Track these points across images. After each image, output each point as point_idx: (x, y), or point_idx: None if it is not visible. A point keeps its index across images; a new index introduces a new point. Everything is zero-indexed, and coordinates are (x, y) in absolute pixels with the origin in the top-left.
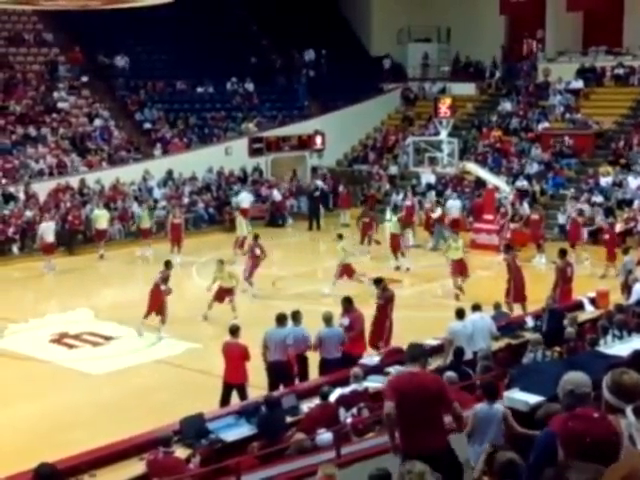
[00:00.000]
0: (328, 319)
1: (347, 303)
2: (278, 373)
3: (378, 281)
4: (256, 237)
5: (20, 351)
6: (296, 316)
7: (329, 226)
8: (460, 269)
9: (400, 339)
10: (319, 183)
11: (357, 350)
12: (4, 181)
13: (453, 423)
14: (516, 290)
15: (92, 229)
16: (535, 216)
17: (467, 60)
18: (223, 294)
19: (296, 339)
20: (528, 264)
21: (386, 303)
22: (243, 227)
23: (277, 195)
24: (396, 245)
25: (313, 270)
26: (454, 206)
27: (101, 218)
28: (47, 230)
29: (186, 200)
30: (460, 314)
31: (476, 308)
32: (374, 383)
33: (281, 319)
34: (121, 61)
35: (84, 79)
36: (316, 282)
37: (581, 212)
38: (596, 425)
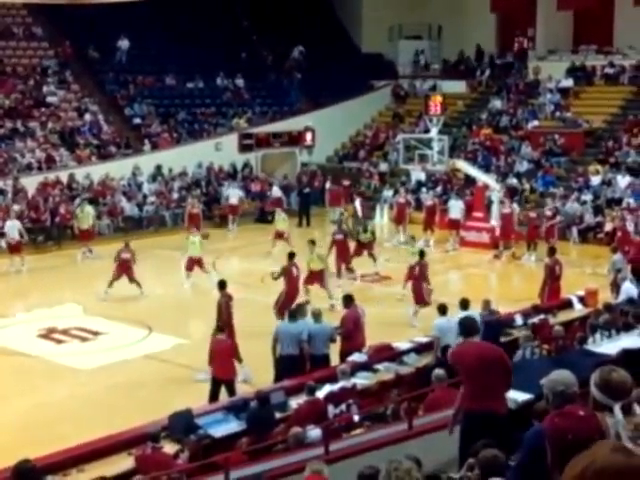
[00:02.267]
0: (317, 315)
1: (346, 300)
2: (288, 367)
3: (221, 284)
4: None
5: (8, 346)
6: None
7: (318, 223)
8: (316, 280)
9: (389, 336)
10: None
11: (348, 348)
12: None
13: None
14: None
15: (84, 225)
16: (533, 214)
17: (457, 58)
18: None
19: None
20: (518, 262)
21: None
22: (281, 221)
23: (277, 191)
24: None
25: (302, 267)
26: (455, 206)
27: (89, 216)
28: (12, 228)
29: (175, 195)
30: (442, 310)
31: (464, 303)
32: (362, 380)
33: (293, 314)
34: (123, 42)
35: (73, 73)
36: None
37: (556, 212)
38: (580, 423)
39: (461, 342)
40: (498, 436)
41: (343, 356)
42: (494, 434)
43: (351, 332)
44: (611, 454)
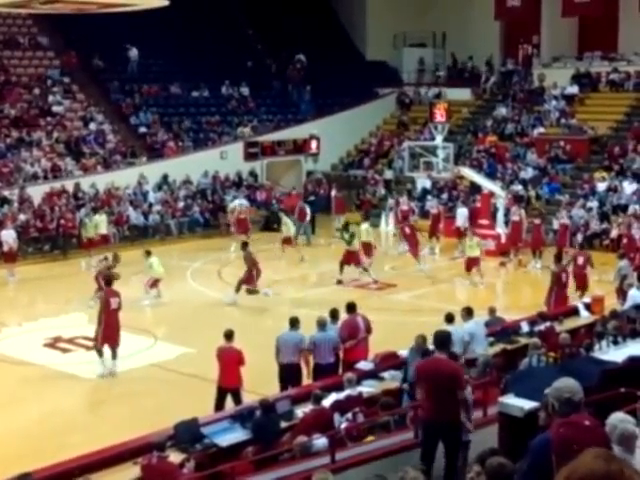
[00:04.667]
0: (322, 324)
1: (347, 308)
2: (289, 375)
3: (107, 280)
4: None
5: (14, 355)
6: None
7: (323, 231)
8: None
9: (395, 344)
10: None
11: (350, 357)
12: None
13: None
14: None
15: (91, 234)
16: (536, 221)
17: (462, 65)
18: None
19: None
20: (524, 269)
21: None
22: (289, 226)
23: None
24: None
25: (307, 274)
26: (461, 214)
27: (101, 224)
28: (7, 237)
29: (181, 204)
30: (449, 319)
31: (468, 312)
32: (368, 388)
33: (294, 322)
34: (132, 52)
35: (78, 83)
36: (310, 286)
37: (570, 218)
38: (586, 433)
39: (427, 358)
40: (453, 441)
41: (345, 364)
42: (449, 440)
43: (345, 339)
44: (593, 461)
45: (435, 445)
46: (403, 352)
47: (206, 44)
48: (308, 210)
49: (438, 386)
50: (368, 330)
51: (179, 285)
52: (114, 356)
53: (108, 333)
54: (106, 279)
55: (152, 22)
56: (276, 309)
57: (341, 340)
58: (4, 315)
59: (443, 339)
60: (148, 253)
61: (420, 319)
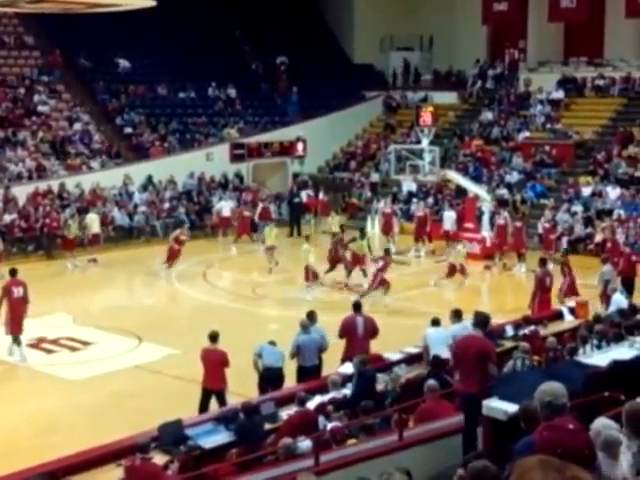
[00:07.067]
0: (305, 326)
1: (352, 307)
2: (273, 379)
3: (11, 271)
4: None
5: None
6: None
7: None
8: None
9: (382, 346)
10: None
11: (346, 354)
12: None
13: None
14: None
15: (73, 234)
16: (517, 224)
17: (449, 69)
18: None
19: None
20: (509, 273)
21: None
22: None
23: (304, 196)
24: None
25: (293, 276)
26: (448, 218)
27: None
28: None
29: (167, 205)
30: (435, 323)
31: (457, 314)
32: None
33: (272, 342)
34: (125, 62)
35: (64, 82)
36: (296, 288)
37: (555, 224)
38: (570, 437)
39: (464, 335)
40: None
41: (343, 362)
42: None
43: (342, 337)
44: (546, 474)
45: (473, 418)
46: (388, 355)
47: (193, 45)
48: (272, 210)
49: (468, 360)
50: (373, 332)
51: (164, 287)
52: (18, 343)
53: (15, 320)
54: (10, 270)
55: (139, 23)
56: (262, 311)
57: (339, 337)
58: None
59: (481, 319)
60: (307, 238)
61: (407, 322)
